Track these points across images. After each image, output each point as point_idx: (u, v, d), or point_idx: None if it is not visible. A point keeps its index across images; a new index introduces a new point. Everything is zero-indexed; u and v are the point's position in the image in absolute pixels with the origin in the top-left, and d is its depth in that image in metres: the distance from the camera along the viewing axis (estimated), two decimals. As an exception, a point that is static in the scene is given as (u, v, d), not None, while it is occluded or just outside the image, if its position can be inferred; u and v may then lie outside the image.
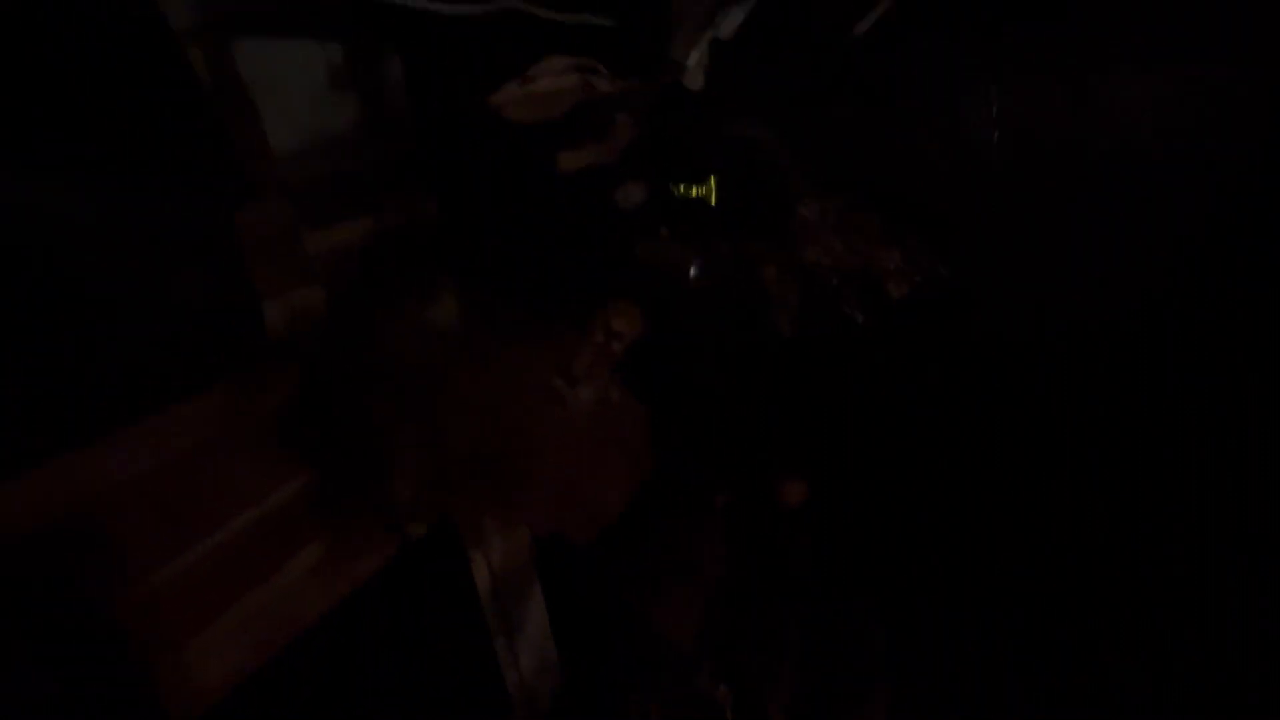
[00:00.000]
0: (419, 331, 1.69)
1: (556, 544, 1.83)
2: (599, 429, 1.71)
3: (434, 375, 1.55)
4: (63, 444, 1.24)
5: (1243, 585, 1.93)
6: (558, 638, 2.31)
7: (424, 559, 1.77)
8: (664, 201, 2.18)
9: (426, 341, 1.65)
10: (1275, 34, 1.78)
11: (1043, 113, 2.08)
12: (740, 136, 2.20)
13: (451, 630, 1.98)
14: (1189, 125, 1.92)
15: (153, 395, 1.37)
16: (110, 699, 1.19)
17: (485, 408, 1.56)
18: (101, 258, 1.36)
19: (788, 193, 2.15)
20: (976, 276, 2.16)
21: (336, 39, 1.74)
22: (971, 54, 2.11)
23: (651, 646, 2.16)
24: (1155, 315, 2.03)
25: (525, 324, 1.73)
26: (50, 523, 1.21)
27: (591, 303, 1.83)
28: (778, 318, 2.13)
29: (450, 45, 1.81)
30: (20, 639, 1.14)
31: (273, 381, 1.54)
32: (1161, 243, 2.00)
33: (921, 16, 2.09)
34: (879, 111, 2.27)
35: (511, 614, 2.14)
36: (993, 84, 2.10)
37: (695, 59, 2.18)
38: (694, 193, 2.20)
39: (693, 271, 2.08)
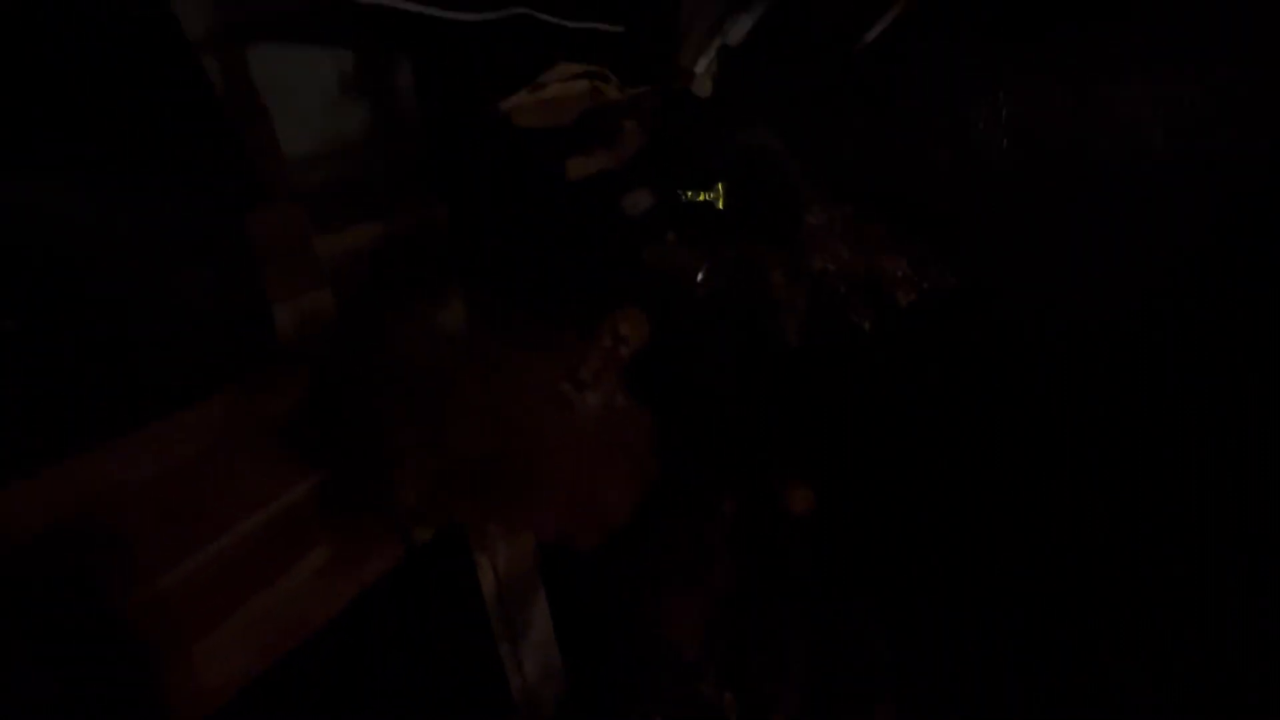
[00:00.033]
0: (428, 336, 1.70)
1: (561, 549, 1.83)
2: (605, 434, 1.70)
3: (442, 379, 1.55)
4: (75, 445, 1.25)
5: (1243, 585, 1.92)
6: (562, 643, 2.31)
7: (430, 563, 1.77)
8: (672, 207, 2.18)
9: (435, 346, 1.66)
10: (1276, 35, 1.78)
11: (1047, 116, 2.08)
12: (748, 143, 2.21)
13: (456, 634, 1.98)
14: (1192, 127, 1.92)
15: (164, 398, 1.38)
16: (117, 700, 1.20)
17: (492, 412, 1.55)
18: (114, 261, 1.37)
19: (795, 199, 2.15)
20: (982, 279, 2.16)
21: (347, 45, 1.76)
22: (978, 60, 2.11)
23: (655, 652, 2.16)
24: (1159, 317, 2.02)
25: (533, 329, 1.73)
26: (60, 524, 1.22)
27: (599, 308, 1.83)
28: (784, 324, 2.12)
29: (460, 52, 1.82)
30: (28, 640, 1.15)
31: (282, 384, 1.56)
32: (1165, 245, 1.99)
33: (929, 23, 2.10)
34: (886, 118, 2.28)
35: (516, 618, 2.14)
36: (1000, 90, 2.10)
37: (704, 66, 2.19)
38: (701, 198, 2.21)
39: (700, 277, 2.07)
